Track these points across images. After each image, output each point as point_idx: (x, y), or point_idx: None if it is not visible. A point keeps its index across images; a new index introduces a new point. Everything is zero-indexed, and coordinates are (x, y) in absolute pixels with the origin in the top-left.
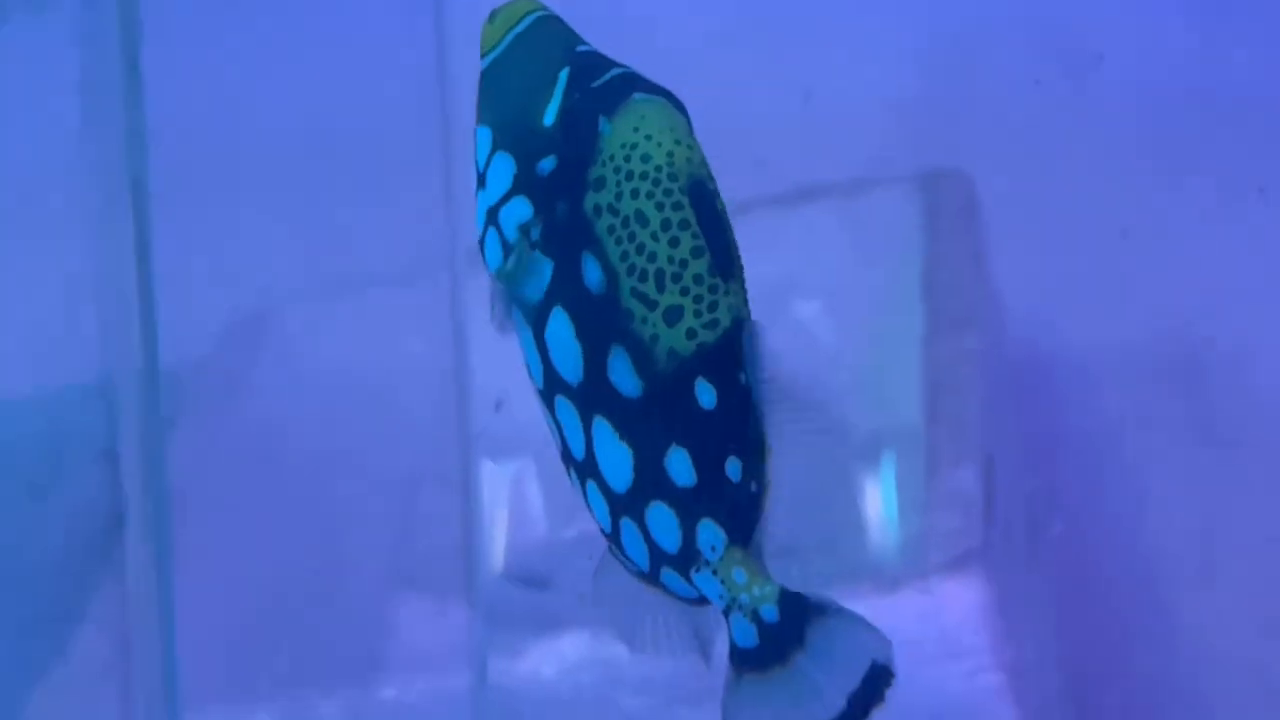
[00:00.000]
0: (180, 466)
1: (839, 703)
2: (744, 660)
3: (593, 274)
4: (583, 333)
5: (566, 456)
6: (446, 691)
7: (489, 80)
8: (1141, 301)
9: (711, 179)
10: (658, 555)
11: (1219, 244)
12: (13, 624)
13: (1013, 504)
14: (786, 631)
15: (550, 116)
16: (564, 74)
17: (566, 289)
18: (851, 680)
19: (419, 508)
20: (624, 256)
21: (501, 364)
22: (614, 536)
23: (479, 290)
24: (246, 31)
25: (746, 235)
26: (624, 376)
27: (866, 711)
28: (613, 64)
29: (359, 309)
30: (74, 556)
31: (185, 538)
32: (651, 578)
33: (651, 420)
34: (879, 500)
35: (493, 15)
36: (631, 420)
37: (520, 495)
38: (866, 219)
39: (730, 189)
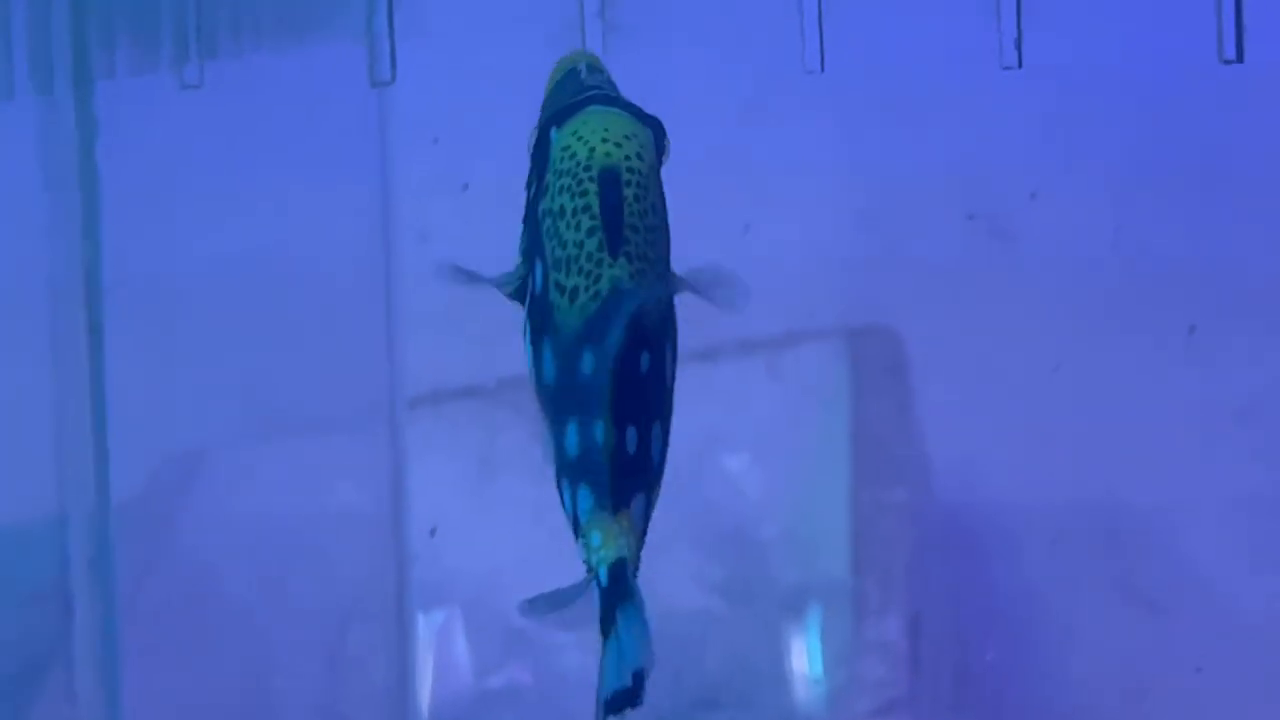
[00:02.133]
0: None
1: (607, 693)
2: (602, 631)
3: (537, 275)
4: (534, 333)
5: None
6: None
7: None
8: (1067, 459)
9: (638, 171)
10: (573, 527)
11: (1147, 400)
12: None
13: (939, 655)
14: (609, 602)
15: (531, 145)
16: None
17: (537, 292)
18: (625, 676)
19: (349, 649)
20: (551, 251)
21: (437, 501)
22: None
23: (416, 437)
24: (195, 174)
25: (676, 388)
26: (548, 366)
27: (623, 706)
28: (602, 90)
29: (294, 452)
30: (21, 685)
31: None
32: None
33: (560, 400)
34: (805, 651)
35: (556, 67)
36: (549, 406)
37: (448, 644)
38: (794, 372)
39: None
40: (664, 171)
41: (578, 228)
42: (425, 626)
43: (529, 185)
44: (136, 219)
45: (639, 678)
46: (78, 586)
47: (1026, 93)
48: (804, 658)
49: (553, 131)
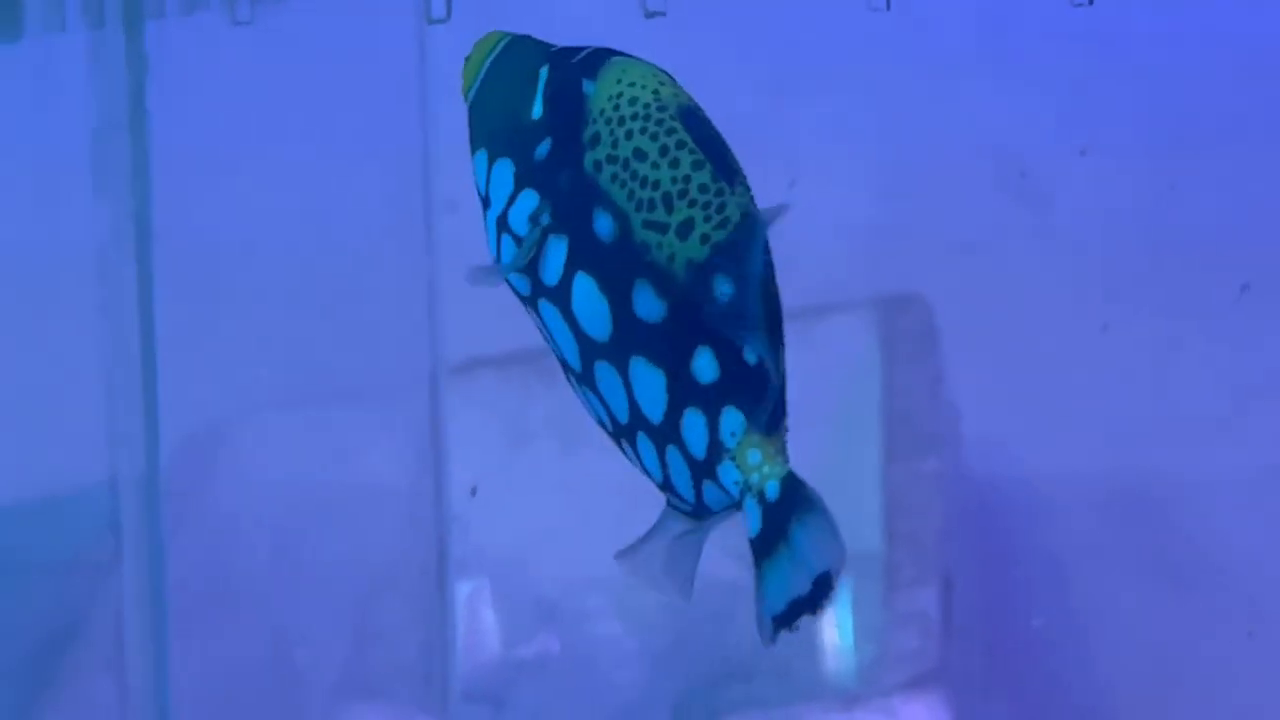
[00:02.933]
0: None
1: (780, 606)
2: (755, 551)
3: (604, 225)
4: (606, 284)
5: (616, 427)
6: None
7: (475, 109)
8: (1101, 429)
9: (702, 111)
10: (696, 468)
11: (1183, 368)
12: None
13: (971, 627)
14: (781, 515)
15: (538, 109)
16: (543, 69)
17: (583, 252)
18: (803, 584)
19: (380, 619)
20: (630, 196)
21: (473, 469)
22: (666, 481)
23: (455, 406)
24: (239, 140)
25: None
26: (649, 306)
27: (799, 615)
28: (591, 47)
29: (329, 420)
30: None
31: (138, 655)
32: (700, 506)
33: (679, 333)
34: (836, 623)
35: (468, 58)
36: (660, 343)
37: (477, 613)
38: (825, 343)
39: None
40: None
41: (676, 164)
42: (457, 597)
43: (528, 152)
44: (185, 165)
45: (823, 581)
46: (128, 550)
47: (1079, 47)
48: (835, 629)
49: (586, 84)
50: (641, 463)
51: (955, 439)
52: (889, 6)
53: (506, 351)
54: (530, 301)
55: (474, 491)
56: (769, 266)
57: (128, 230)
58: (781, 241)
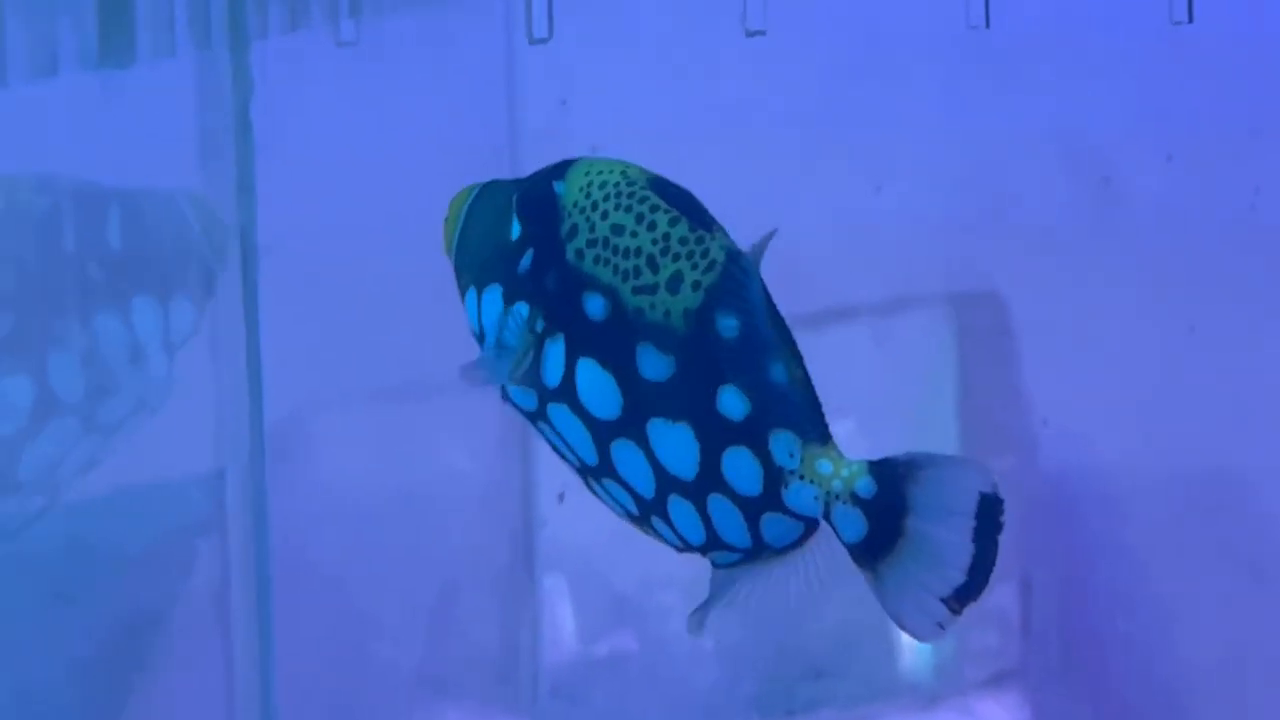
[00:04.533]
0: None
1: (967, 548)
2: (865, 554)
3: (595, 306)
4: (608, 361)
5: (641, 507)
6: None
7: (459, 256)
8: (1176, 425)
9: (669, 180)
10: (750, 507)
11: (1257, 365)
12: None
13: (1050, 623)
14: (888, 499)
15: (515, 230)
16: (515, 195)
17: (580, 340)
18: (968, 521)
19: (460, 616)
20: (615, 270)
21: (559, 467)
22: (711, 538)
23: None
24: (341, 138)
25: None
26: (655, 365)
27: (994, 543)
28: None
29: (410, 416)
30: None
31: (216, 642)
32: (758, 547)
33: (693, 382)
34: None
35: (445, 218)
36: (676, 398)
37: (556, 610)
38: (900, 339)
39: None
40: (767, 141)
41: (653, 227)
42: (534, 593)
43: (511, 269)
44: (288, 179)
45: (988, 500)
46: (233, 539)
47: (1165, 51)
48: None
49: (556, 185)
50: (677, 531)
51: (1032, 437)
52: (988, 24)
53: None
54: (538, 414)
55: (561, 498)
56: (764, 290)
57: (234, 241)
58: (860, 240)
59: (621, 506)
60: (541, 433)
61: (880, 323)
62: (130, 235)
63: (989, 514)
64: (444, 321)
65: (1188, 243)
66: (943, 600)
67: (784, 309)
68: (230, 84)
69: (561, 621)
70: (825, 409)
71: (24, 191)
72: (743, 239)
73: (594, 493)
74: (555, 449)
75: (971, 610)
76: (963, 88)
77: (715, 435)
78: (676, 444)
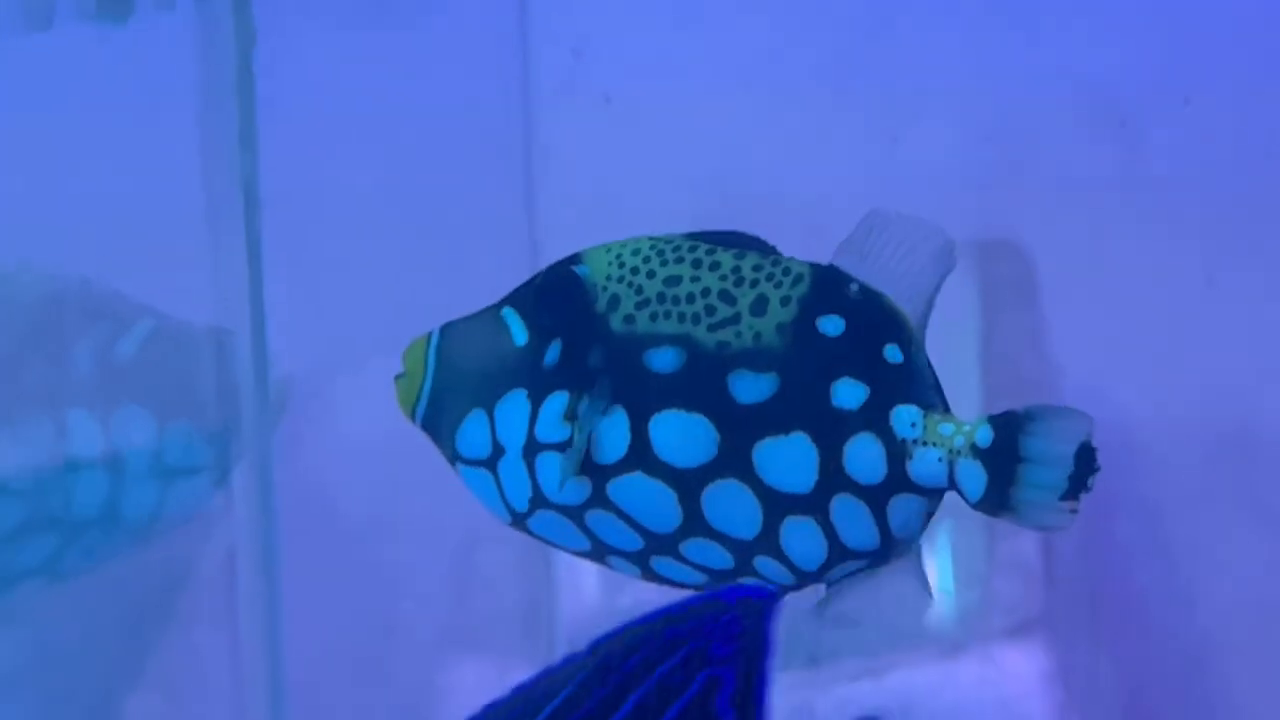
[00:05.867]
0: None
1: (1062, 487)
2: (988, 506)
3: (664, 359)
4: (694, 402)
5: (739, 552)
6: None
7: (434, 406)
8: (1202, 376)
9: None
10: (876, 497)
11: (1278, 314)
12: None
13: (1073, 574)
14: (1004, 446)
15: (521, 337)
16: (505, 310)
17: (650, 398)
18: (1068, 465)
19: (479, 569)
20: (682, 318)
21: None
22: (835, 548)
23: None
24: (346, 89)
25: None
26: (753, 387)
27: (1085, 486)
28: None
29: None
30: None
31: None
32: (885, 544)
33: (799, 389)
34: (937, 570)
35: (398, 377)
36: (781, 413)
37: (576, 563)
38: None
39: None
40: (782, 92)
41: (716, 267)
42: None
43: (534, 372)
44: (290, 132)
45: (1084, 451)
46: (239, 501)
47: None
48: (937, 576)
49: (578, 269)
50: (789, 562)
51: (1055, 387)
52: None
53: None
54: (590, 502)
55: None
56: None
57: (236, 193)
58: (881, 191)
59: (704, 570)
60: (588, 528)
61: None
62: (146, 349)
63: (1085, 460)
64: (453, 274)
65: (1206, 189)
66: (1062, 499)
67: (806, 259)
68: (232, 35)
69: (582, 573)
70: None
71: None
72: (758, 192)
73: (656, 577)
74: (599, 548)
75: (996, 559)
76: (979, 34)
77: (834, 431)
78: (791, 457)
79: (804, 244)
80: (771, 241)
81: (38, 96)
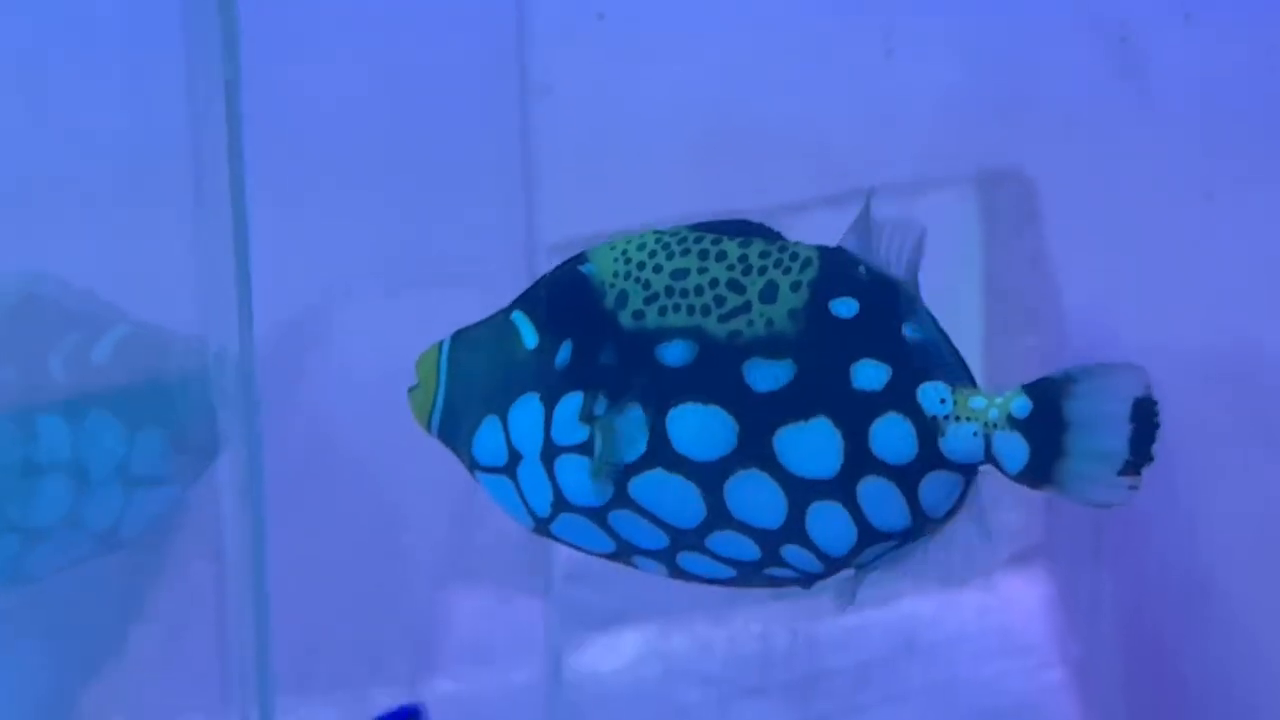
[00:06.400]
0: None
1: (1123, 453)
2: (1032, 479)
3: (676, 352)
4: (711, 394)
5: (766, 542)
6: (507, 685)
7: (450, 416)
8: (1205, 303)
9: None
10: (908, 476)
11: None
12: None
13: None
14: (1045, 416)
15: (531, 340)
16: (516, 313)
17: (665, 393)
18: (1123, 427)
19: (480, 503)
20: (691, 310)
21: None
22: (866, 532)
23: None
24: (332, 29)
25: (804, 235)
26: (768, 375)
27: (1151, 443)
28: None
29: (427, 303)
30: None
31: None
32: (918, 521)
33: (817, 374)
34: None
35: (412, 389)
36: (799, 398)
37: None
38: (924, 217)
39: (788, 189)
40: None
41: (722, 257)
42: None
43: (546, 375)
44: (274, 55)
45: (1143, 404)
46: (224, 435)
47: None
48: None
49: (583, 269)
50: (817, 548)
51: (1056, 314)
52: None
53: (607, 231)
54: (614, 503)
55: None
56: (870, 264)
57: (218, 112)
58: (881, 118)
59: (732, 563)
60: (611, 529)
61: (904, 203)
62: (119, 356)
63: (1144, 415)
64: (456, 210)
65: (1207, 106)
66: (1120, 474)
67: (807, 191)
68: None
69: None
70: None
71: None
72: (754, 113)
73: (683, 574)
74: (624, 548)
75: (995, 488)
76: None
77: (858, 414)
78: (813, 442)
79: (802, 168)
80: (770, 165)
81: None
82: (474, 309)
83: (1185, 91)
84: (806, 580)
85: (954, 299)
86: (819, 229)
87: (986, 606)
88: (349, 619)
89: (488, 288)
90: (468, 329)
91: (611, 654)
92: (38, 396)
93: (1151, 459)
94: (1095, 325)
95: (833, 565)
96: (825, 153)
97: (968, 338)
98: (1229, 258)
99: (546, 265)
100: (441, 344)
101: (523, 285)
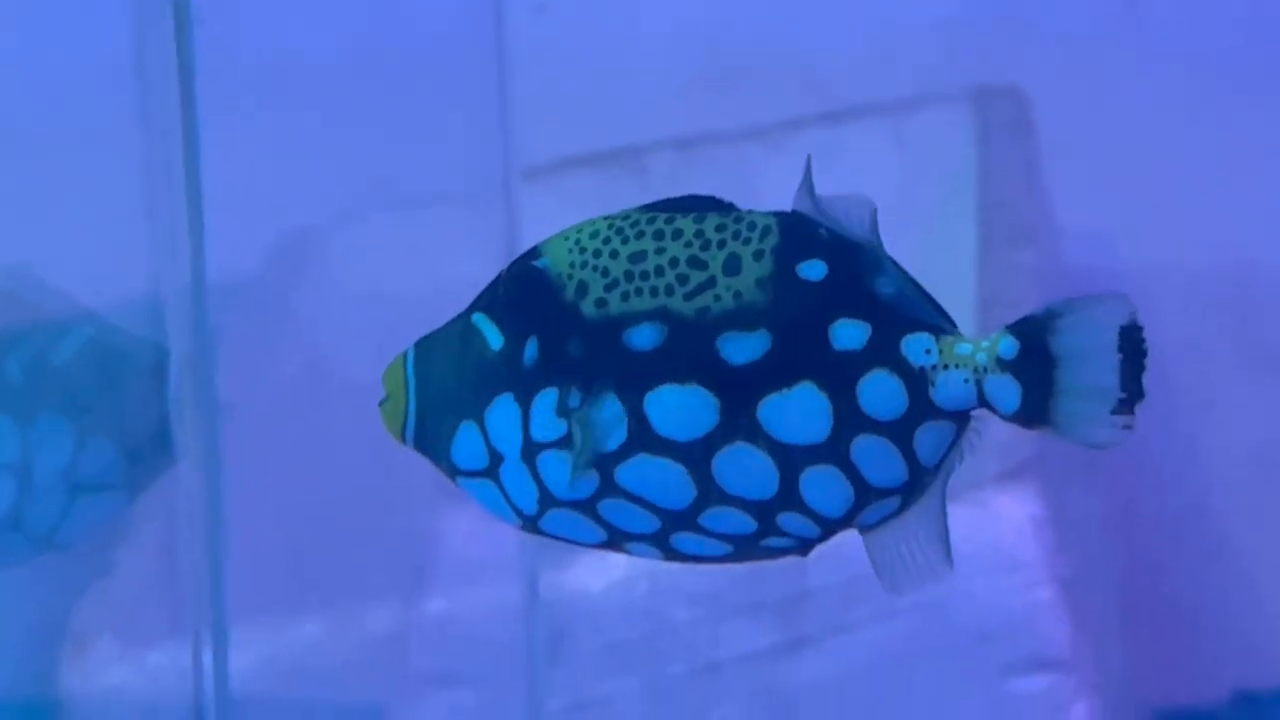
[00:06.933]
0: (228, 382)
1: (1115, 386)
2: (1027, 418)
3: (644, 336)
4: (687, 372)
5: (762, 511)
6: (495, 603)
7: (425, 426)
8: (1200, 222)
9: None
10: (902, 430)
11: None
12: None
13: None
14: (1034, 355)
15: (496, 341)
16: (476, 315)
17: (640, 378)
18: (1112, 358)
19: None
20: (654, 292)
21: None
22: (863, 490)
23: (533, 209)
24: None
25: (798, 152)
26: (744, 347)
27: (1141, 372)
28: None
29: (409, 228)
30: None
31: (232, 452)
32: (915, 475)
33: (799, 339)
34: None
35: (382, 402)
36: (781, 367)
37: None
38: (920, 136)
39: (783, 106)
40: None
41: (678, 235)
42: None
43: (516, 374)
44: None
45: (1129, 330)
46: (177, 369)
47: None
48: None
49: (539, 263)
50: (814, 513)
51: (1052, 231)
52: None
53: (595, 151)
54: (600, 493)
55: None
56: (832, 224)
57: (167, 27)
58: (878, 35)
59: (727, 539)
60: (602, 519)
61: (902, 119)
62: (78, 359)
63: (1132, 342)
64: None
65: (1204, 24)
66: (1114, 413)
67: (804, 109)
68: None
69: None
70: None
71: None
72: (758, 38)
73: (679, 555)
74: (616, 536)
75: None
76: None
77: (842, 375)
78: (801, 408)
79: (801, 99)
80: (764, 84)
81: None
82: (459, 229)
83: (1181, 9)
84: (804, 548)
85: (949, 216)
86: (813, 146)
87: (977, 523)
88: (339, 537)
89: (470, 207)
90: (429, 337)
91: (600, 573)
92: None
93: (1143, 394)
94: (1090, 242)
95: (830, 528)
96: (820, 71)
97: (963, 254)
98: (1226, 177)
99: (523, 191)
100: (406, 354)
101: (503, 208)
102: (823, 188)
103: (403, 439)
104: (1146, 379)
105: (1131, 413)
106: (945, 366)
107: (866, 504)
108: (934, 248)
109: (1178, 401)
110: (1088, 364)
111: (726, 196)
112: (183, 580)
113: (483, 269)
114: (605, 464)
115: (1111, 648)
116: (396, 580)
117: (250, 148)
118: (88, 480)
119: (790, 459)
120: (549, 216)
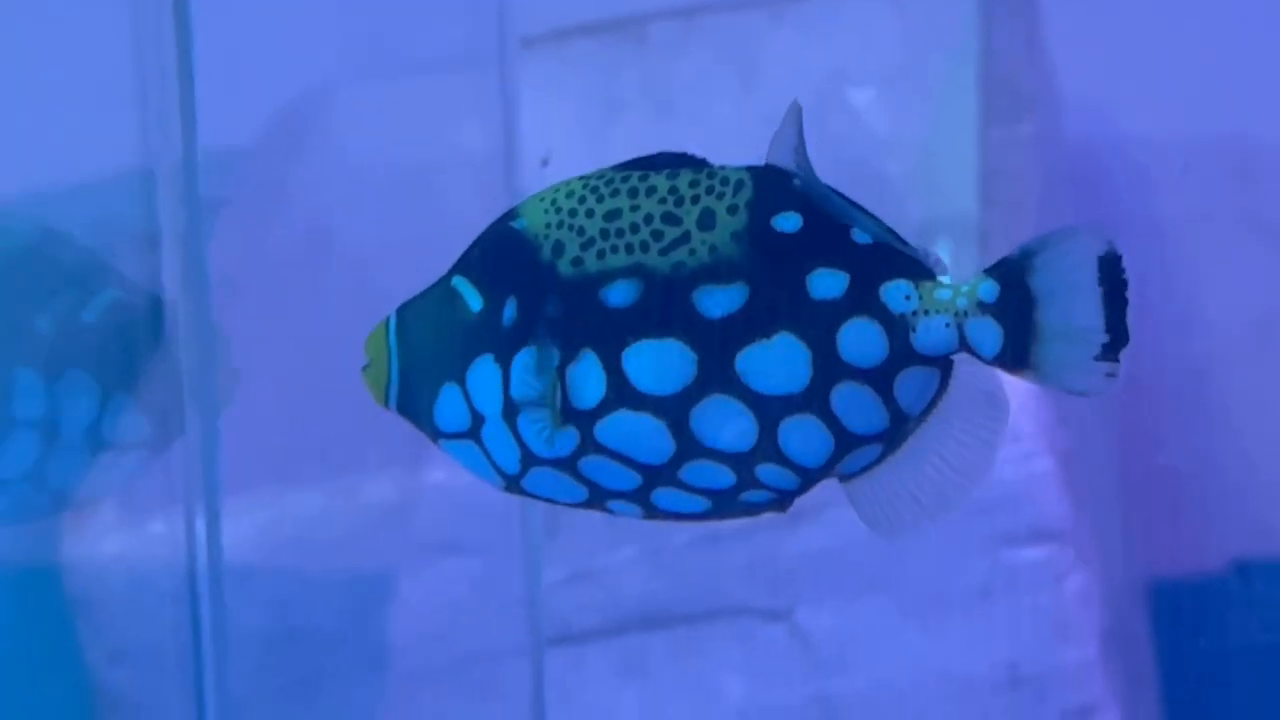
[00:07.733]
0: (226, 253)
1: (1099, 322)
2: (1010, 359)
3: (620, 293)
4: (664, 327)
5: (741, 463)
6: None
7: (407, 381)
8: (1198, 92)
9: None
10: (882, 377)
11: None
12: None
13: None
14: (1014, 296)
15: (476, 303)
16: (456, 279)
17: (618, 335)
18: (1093, 292)
19: None
20: (630, 249)
21: (553, 141)
22: (844, 436)
23: (530, 77)
24: None
25: (801, 25)
26: (720, 300)
27: (1124, 302)
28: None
29: (407, 97)
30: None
31: (231, 322)
32: (899, 419)
33: (769, 292)
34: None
35: (365, 368)
36: (758, 317)
37: None
38: (921, 6)
39: None
40: None
41: (652, 191)
42: None
43: (496, 334)
44: None
45: (1107, 259)
46: (167, 234)
47: None
48: None
49: (516, 223)
50: (793, 464)
51: (1053, 102)
52: None
53: (595, 20)
54: (581, 449)
55: (545, 163)
56: (809, 170)
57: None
58: None
59: (706, 493)
60: (583, 476)
61: None
62: (107, 318)
63: (1111, 274)
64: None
65: None
66: (1097, 359)
67: None
68: None
69: None
70: (845, 78)
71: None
72: None
73: (659, 513)
74: (597, 493)
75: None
76: None
77: (821, 324)
78: (780, 358)
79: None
80: None
81: None
82: (457, 96)
83: None
84: (783, 502)
85: (951, 87)
86: (816, 18)
87: None
88: (340, 410)
89: (469, 74)
90: (410, 302)
91: None
92: (21, 351)
93: (1128, 338)
94: (1092, 112)
95: (810, 478)
96: None
97: (964, 126)
98: (1227, 47)
99: (520, 59)
100: (388, 320)
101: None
102: (824, 58)
103: (386, 404)
104: (1130, 314)
105: (1116, 359)
106: (926, 312)
107: (847, 452)
108: (936, 118)
109: (1175, 268)
110: (1069, 302)
111: (728, 65)
112: (178, 451)
113: (481, 138)
114: (585, 422)
115: (1110, 519)
116: (396, 451)
117: (244, 16)
118: (111, 438)
119: (769, 409)
120: (549, 85)
